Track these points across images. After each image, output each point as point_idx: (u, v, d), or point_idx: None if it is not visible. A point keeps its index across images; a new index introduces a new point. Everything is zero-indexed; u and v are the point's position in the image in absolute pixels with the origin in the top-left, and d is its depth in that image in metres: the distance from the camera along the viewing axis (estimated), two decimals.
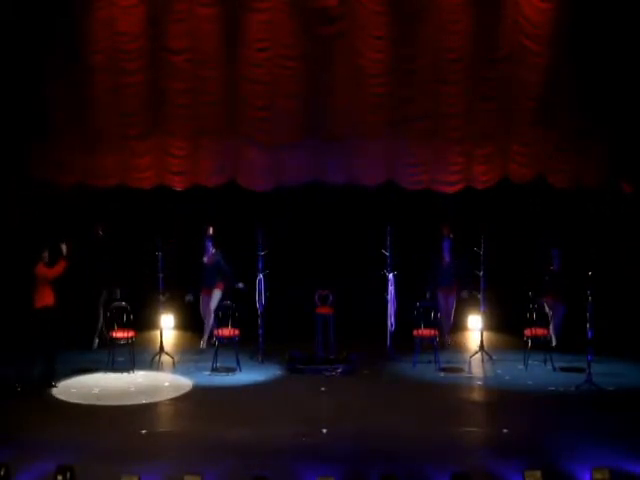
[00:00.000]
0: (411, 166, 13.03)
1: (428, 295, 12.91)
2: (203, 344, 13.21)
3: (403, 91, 13.11)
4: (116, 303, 12.16)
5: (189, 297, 13.15)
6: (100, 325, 12.81)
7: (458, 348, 13.06)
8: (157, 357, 12.28)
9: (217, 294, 13.05)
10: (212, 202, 13.86)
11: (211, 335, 12.87)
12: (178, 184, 13.00)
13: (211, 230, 13.16)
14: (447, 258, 13.11)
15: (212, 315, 12.86)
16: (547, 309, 12.52)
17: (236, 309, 12.08)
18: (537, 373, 11.85)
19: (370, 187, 13.39)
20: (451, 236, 12.95)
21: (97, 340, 12.15)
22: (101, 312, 12.76)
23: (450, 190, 12.83)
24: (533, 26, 13.01)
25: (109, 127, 13.07)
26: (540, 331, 12.10)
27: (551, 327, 12.63)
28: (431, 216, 13.82)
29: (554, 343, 12.73)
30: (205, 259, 13.04)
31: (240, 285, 12.88)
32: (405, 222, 13.45)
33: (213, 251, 13.02)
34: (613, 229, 13.54)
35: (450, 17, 13.03)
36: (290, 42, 13.08)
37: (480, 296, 12.57)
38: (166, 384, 11.48)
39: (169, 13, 13.00)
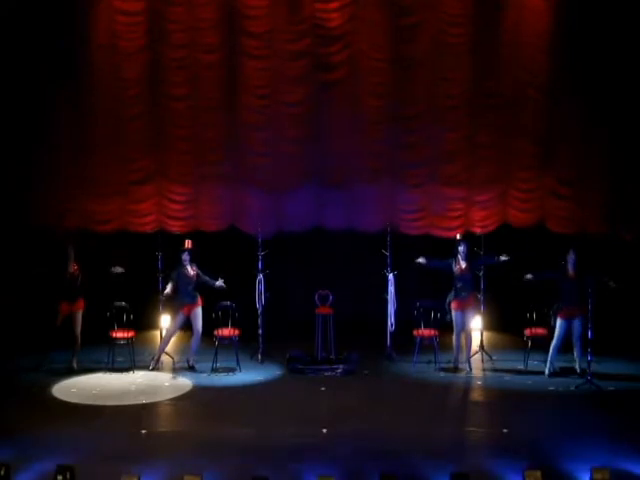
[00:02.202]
0: (410, 212, 13.07)
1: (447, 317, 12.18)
2: (154, 364, 12.09)
3: (403, 137, 13.22)
4: (116, 303, 12.16)
5: (118, 269, 12.21)
6: (77, 346, 12.14)
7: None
8: (157, 357, 12.27)
9: (199, 313, 12.07)
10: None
11: (159, 358, 12.17)
12: (178, 229, 12.84)
13: (188, 243, 12.36)
14: (464, 265, 12.15)
15: (198, 335, 12.04)
16: (557, 330, 11.68)
17: (236, 309, 12.08)
18: (537, 373, 11.84)
19: (370, 232, 13.38)
20: (466, 241, 12.40)
21: (76, 359, 12.02)
22: (79, 333, 12.13)
23: (449, 235, 12.69)
24: (532, 74, 13.13)
25: (110, 172, 13.19)
26: (540, 331, 12.08)
27: (575, 351, 11.65)
28: None
29: (578, 368, 11.66)
30: (190, 273, 12.08)
31: (219, 283, 12.18)
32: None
33: (193, 267, 12.13)
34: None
35: (449, 64, 13.18)
36: (290, 89, 13.22)
37: (481, 296, 12.55)
38: (166, 384, 11.48)
39: (170, 60, 13.13)
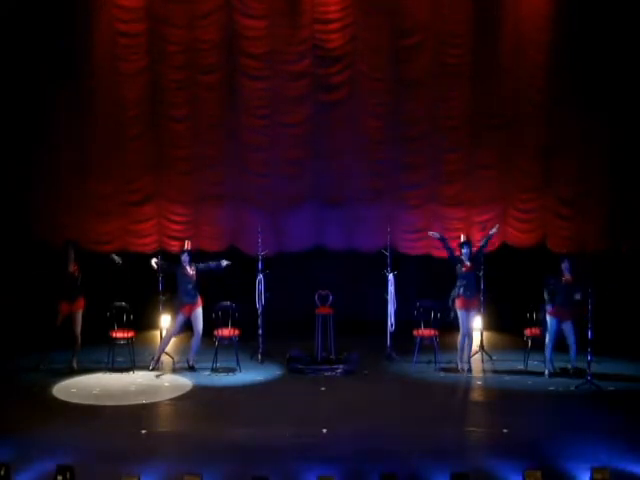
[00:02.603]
0: (410, 232, 13.10)
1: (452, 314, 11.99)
2: (154, 364, 11.97)
3: (403, 157, 13.30)
4: (116, 303, 12.16)
5: (117, 258, 11.97)
6: (77, 346, 12.05)
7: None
8: (157, 357, 12.27)
9: (200, 313, 11.94)
10: None
11: (159, 358, 12.05)
12: (179, 249, 12.87)
13: (188, 244, 12.22)
14: (469, 265, 12.02)
15: (198, 336, 11.90)
16: (549, 328, 11.59)
17: (236, 309, 12.08)
18: (537, 373, 11.84)
19: (370, 252, 13.39)
20: (469, 241, 12.43)
21: (76, 359, 11.99)
22: (79, 333, 12.04)
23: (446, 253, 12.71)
24: (532, 93, 13.24)
25: (110, 193, 13.26)
26: (540, 331, 12.07)
27: (570, 352, 11.62)
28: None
29: (571, 369, 11.67)
30: (189, 272, 11.92)
31: (225, 262, 11.98)
32: None
33: (192, 267, 11.91)
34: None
35: (449, 85, 13.32)
36: (290, 109, 13.35)
37: (481, 296, 12.54)
38: (166, 384, 11.48)
39: (170, 81, 13.22)
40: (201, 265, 11.99)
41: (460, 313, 11.81)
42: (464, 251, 11.81)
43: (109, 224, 12.89)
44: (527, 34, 13.37)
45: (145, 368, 11.94)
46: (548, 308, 11.57)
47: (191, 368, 11.92)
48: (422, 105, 13.50)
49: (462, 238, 12.13)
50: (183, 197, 13.45)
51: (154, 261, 11.96)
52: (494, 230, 12.04)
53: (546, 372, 11.66)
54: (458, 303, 11.81)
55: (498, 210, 13.29)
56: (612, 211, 13.23)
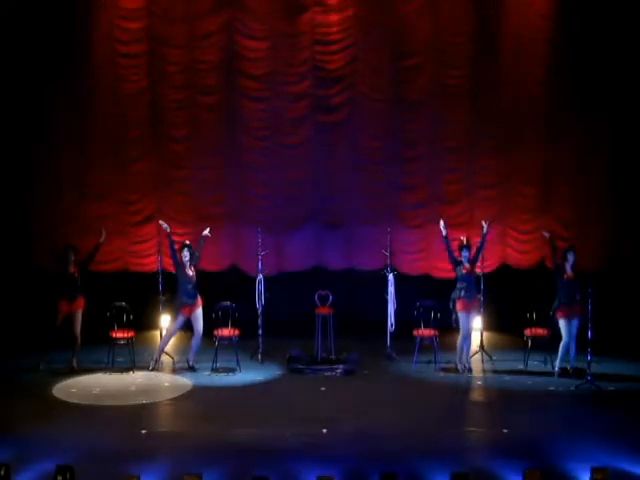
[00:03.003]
0: (410, 253, 13.11)
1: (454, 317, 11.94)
2: (153, 364, 11.89)
3: (403, 178, 13.31)
4: (116, 303, 12.16)
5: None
6: (77, 346, 12.00)
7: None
8: (157, 357, 12.26)
9: (200, 314, 11.85)
10: None
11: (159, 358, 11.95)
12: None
13: (188, 241, 12.13)
14: (469, 267, 11.82)
15: (199, 336, 11.81)
16: (562, 329, 11.54)
17: (236, 309, 12.08)
18: (537, 373, 11.84)
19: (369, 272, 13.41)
20: (470, 244, 12.13)
21: (76, 359, 11.97)
22: (79, 333, 11.99)
23: (449, 275, 12.69)
24: (532, 114, 13.37)
25: (111, 214, 13.31)
26: (540, 331, 12.08)
27: (570, 350, 11.56)
28: None
29: (571, 368, 11.63)
30: (189, 273, 11.77)
31: (205, 232, 11.80)
32: None
33: (192, 267, 11.75)
34: None
35: (449, 106, 13.35)
36: (290, 130, 13.39)
37: (481, 297, 12.54)
38: (166, 384, 11.48)
39: (170, 101, 13.27)
40: (195, 259, 11.79)
41: (460, 315, 11.78)
42: (464, 254, 11.78)
43: (109, 244, 12.92)
44: (527, 57, 13.45)
45: (145, 368, 11.93)
46: (556, 308, 11.56)
47: (191, 368, 11.90)
48: (422, 126, 13.60)
49: (462, 240, 12.10)
50: (183, 217, 13.47)
51: (164, 224, 11.84)
52: (486, 227, 11.95)
53: (556, 369, 11.62)
54: (459, 305, 11.77)
55: (497, 230, 13.33)
56: (612, 233, 13.26)
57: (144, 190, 13.54)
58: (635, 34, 13.09)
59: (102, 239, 12.02)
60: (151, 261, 13.21)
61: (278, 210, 13.37)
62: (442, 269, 12.92)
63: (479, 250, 11.97)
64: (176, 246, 11.87)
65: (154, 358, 12.01)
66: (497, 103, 13.47)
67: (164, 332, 12.63)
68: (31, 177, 13.37)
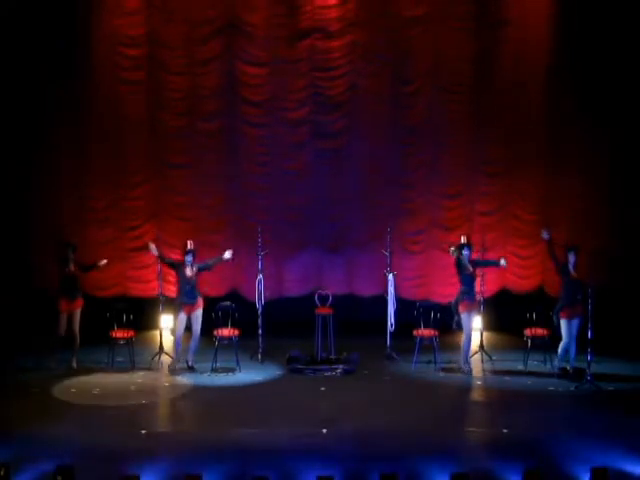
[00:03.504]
0: (410, 279, 13.11)
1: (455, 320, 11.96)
2: (173, 365, 11.89)
3: (402, 204, 13.31)
4: (116, 303, 12.15)
5: (103, 261, 11.96)
6: (77, 345, 11.99)
7: (458, 348, 13.03)
8: (157, 357, 12.28)
9: (199, 315, 11.83)
10: None
11: (179, 358, 11.93)
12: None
13: (190, 244, 12.07)
14: (470, 268, 11.79)
15: (196, 337, 11.81)
16: (563, 329, 11.51)
17: (236, 309, 12.08)
18: (537, 373, 11.85)
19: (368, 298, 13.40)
20: (470, 243, 12.09)
21: (75, 359, 11.95)
22: (78, 332, 11.95)
23: (449, 300, 12.67)
24: (531, 139, 13.42)
25: (111, 239, 13.33)
26: (540, 331, 12.08)
27: (570, 350, 11.53)
28: None
29: (571, 368, 11.62)
30: (188, 273, 11.77)
31: (227, 255, 11.87)
32: None
33: (195, 266, 11.80)
34: None
35: (448, 131, 13.50)
36: (290, 156, 13.40)
37: (481, 298, 12.54)
38: (166, 384, 11.48)
39: (170, 127, 13.30)
40: (201, 265, 11.92)
41: (463, 316, 11.79)
42: (465, 253, 11.78)
43: (109, 270, 12.94)
44: (527, 82, 13.49)
45: (145, 368, 11.94)
46: (559, 309, 11.56)
47: (190, 369, 11.87)
48: (421, 151, 13.65)
49: (462, 239, 12.09)
50: (184, 243, 13.48)
51: (152, 247, 11.89)
52: (503, 262, 11.84)
53: (556, 369, 11.64)
54: (461, 307, 11.77)
55: (497, 256, 13.35)
56: (612, 259, 13.26)
57: (144, 216, 13.60)
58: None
59: (101, 264, 11.98)
60: (151, 287, 13.21)
61: (278, 235, 13.43)
62: (442, 295, 12.90)
63: (482, 263, 11.96)
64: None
65: (176, 359, 11.87)
66: (497, 128, 13.57)
67: (164, 332, 12.63)
68: (31, 179, 13.38)
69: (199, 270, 11.86)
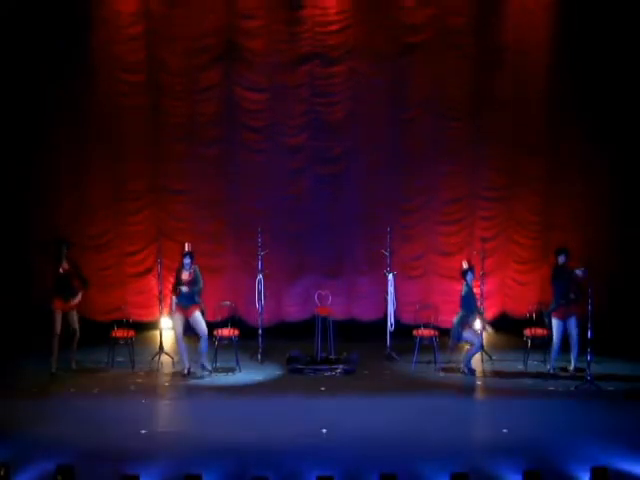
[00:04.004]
0: (411, 303, 13.10)
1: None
2: (185, 370, 11.67)
3: (402, 230, 13.32)
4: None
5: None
6: (75, 343, 11.83)
7: (458, 348, 13.06)
8: (157, 357, 12.28)
9: (198, 316, 11.67)
10: None
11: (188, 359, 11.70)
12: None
13: (188, 246, 11.95)
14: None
15: (204, 337, 11.62)
16: (554, 329, 11.52)
17: (236, 309, 12.07)
18: (537, 373, 11.85)
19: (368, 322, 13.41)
20: (472, 267, 11.95)
21: (75, 360, 11.89)
22: (77, 327, 11.79)
23: (450, 325, 12.65)
24: (530, 166, 13.42)
25: (111, 265, 13.34)
26: (540, 331, 12.08)
27: (572, 351, 11.60)
28: None
29: (572, 368, 11.68)
30: (184, 276, 11.66)
31: (184, 289, 11.60)
32: None
33: (193, 268, 11.65)
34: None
35: (448, 158, 13.44)
36: (289, 182, 13.41)
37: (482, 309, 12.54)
38: (166, 384, 11.48)
39: (170, 153, 13.30)
40: (193, 284, 11.63)
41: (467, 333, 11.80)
42: (468, 278, 11.75)
43: (110, 295, 12.92)
44: (527, 108, 13.48)
45: (145, 368, 11.94)
46: (551, 308, 11.57)
47: (209, 372, 11.63)
48: (421, 177, 13.65)
49: (464, 265, 11.99)
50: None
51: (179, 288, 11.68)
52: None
53: (550, 370, 11.63)
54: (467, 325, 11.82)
55: (496, 282, 13.34)
56: (613, 288, 13.24)
57: (144, 242, 13.60)
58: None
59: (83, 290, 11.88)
60: (152, 312, 13.20)
61: (277, 260, 13.44)
62: (443, 320, 12.87)
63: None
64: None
65: (184, 363, 11.67)
66: (496, 154, 13.58)
67: (164, 333, 12.62)
68: (31, 179, 13.37)
69: (196, 277, 11.63)
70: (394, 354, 12.54)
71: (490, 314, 13.20)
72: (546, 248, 13.26)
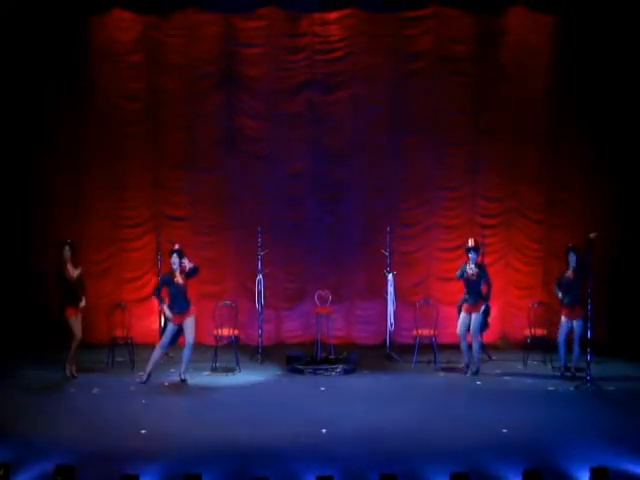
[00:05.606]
0: (407, 329, 13.10)
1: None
2: (145, 378, 11.39)
3: (402, 256, 13.35)
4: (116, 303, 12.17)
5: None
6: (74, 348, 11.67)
7: (457, 348, 13.06)
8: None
9: (191, 323, 11.45)
10: None
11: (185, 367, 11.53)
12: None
13: (177, 246, 11.71)
14: (476, 272, 11.85)
15: (189, 347, 11.41)
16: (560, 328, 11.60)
17: (236, 309, 12.08)
18: (537, 373, 11.85)
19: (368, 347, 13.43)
20: (477, 246, 12.07)
21: (74, 366, 11.83)
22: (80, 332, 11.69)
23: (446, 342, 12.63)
24: (529, 191, 13.40)
25: (111, 291, 13.33)
26: (540, 331, 12.08)
27: (574, 351, 11.54)
28: None
29: (573, 368, 11.59)
30: (177, 279, 11.45)
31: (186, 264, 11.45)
32: None
33: (186, 265, 11.43)
34: None
35: (448, 177, 13.43)
36: (290, 208, 13.42)
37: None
38: (166, 384, 11.48)
39: (169, 180, 13.30)
40: (187, 272, 11.50)
41: (465, 315, 11.82)
42: (471, 256, 11.76)
43: (109, 319, 12.93)
44: (527, 134, 13.50)
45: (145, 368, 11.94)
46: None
47: (182, 381, 11.42)
48: (421, 204, 13.67)
49: (470, 243, 12.01)
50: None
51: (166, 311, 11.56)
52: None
53: (561, 369, 11.64)
54: (464, 308, 11.85)
55: (495, 304, 13.33)
56: (612, 313, 13.23)
57: (144, 267, 13.60)
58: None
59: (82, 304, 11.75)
60: (152, 335, 13.17)
61: (278, 286, 13.45)
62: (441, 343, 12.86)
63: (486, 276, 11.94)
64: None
65: (146, 371, 11.42)
66: (496, 180, 13.59)
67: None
68: (31, 179, 13.37)
69: (187, 277, 11.51)
70: (394, 354, 12.54)
71: (489, 339, 13.15)
72: (545, 274, 13.29)
